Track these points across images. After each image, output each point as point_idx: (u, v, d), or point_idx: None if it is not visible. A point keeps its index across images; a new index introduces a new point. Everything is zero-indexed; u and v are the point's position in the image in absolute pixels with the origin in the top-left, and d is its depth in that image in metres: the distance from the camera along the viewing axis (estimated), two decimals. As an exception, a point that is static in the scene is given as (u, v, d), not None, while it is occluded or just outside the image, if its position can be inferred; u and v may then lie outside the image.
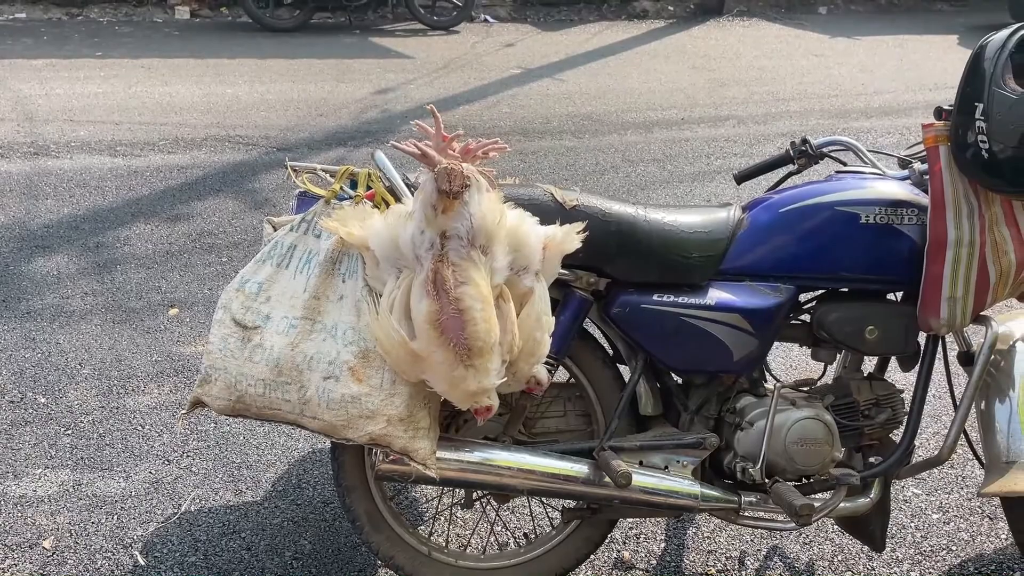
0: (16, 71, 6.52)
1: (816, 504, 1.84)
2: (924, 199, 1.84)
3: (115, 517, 2.25)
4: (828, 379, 2.10)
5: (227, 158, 4.96)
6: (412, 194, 1.73)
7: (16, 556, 2.10)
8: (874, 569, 2.21)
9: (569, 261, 1.74)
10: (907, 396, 2.01)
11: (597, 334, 2.00)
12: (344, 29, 9.02)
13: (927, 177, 1.82)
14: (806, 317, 1.97)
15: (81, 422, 2.62)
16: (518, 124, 5.96)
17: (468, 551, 2.17)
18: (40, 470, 2.41)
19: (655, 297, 1.83)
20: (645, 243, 1.81)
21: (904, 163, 2.06)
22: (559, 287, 1.81)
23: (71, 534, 2.19)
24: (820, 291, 1.96)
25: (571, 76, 7.47)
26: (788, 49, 9.02)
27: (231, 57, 7.38)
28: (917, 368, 1.96)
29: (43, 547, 2.14)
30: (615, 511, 1.98)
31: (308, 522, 2.28)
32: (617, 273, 1.83)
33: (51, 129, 5.24)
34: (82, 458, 2.47)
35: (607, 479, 1.84)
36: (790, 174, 2.24)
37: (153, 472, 2.42)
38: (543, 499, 2.27)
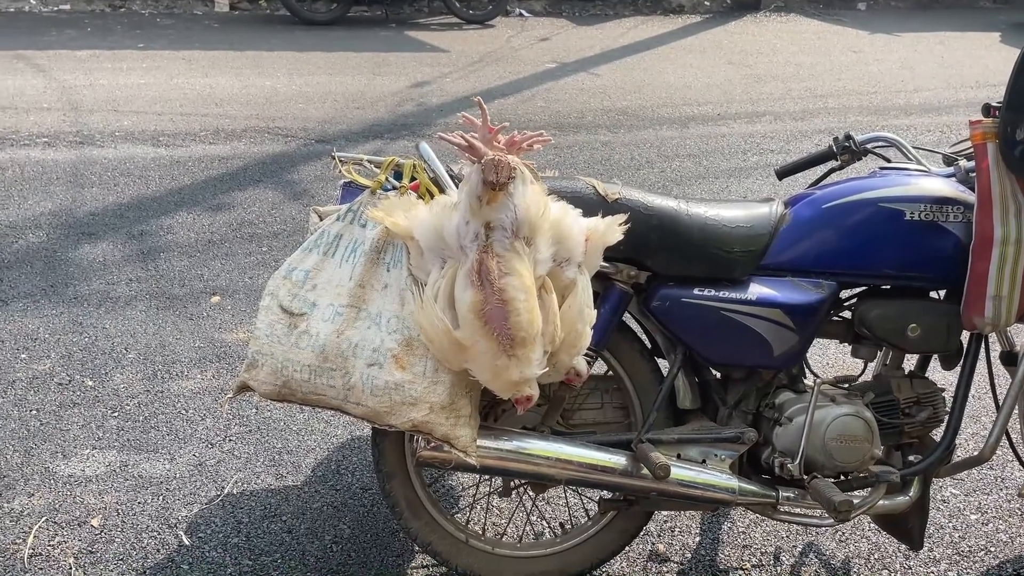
0: (61, 62, 6.66)
1: (855, 501, 1.84)
2: (970, 196, 1.82)
3: (160, 498, 2.31)
4: (868, 376, 2.09)
5: (266, 149, 5.03)
6: (456, 185, 1.76)
7: (66, 533, 2.17)
8: (911, 568, 2.20)
9: (610, 254, 1.75)
10: (948, 395, 2.00)
11: (636, 327, 2.01)
12: (380, 23, 9.07)
13: (973, 174, 1.81)
14: (847, 314, 1.96)
15: (127, 405, 2.68)
16: (553, 118, 5.96)
17: (504, 539, 2.19)
18: (88, 451, 2.47)
19: (696, 291, 1.83)
20: (686, 237, 1.82)
21: (949, 160, 2.04)
22: (600, 280, 1.83)
23: (118, 513, 2.25)
24: (862, 288, 1.96)
25: (606, 71, 7.45)
26: (826, 45, 8.92)
27: (270, 50, 7.47)
28: (959, 367, 1.95)
29: (92, 525, 2.20)
30: (652, 503, 1.99)
31: (347, 507, 2.32)
32: (658, 266, 1.84)
33: (96, 119, 5.35)
34: (128, 440, 2.53)
35: (645, 471, 1.85)
36: (832, 170, 2.23)
37: (197, 455, 2.48)
38: (580, 490, 2.29)
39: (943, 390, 2.01)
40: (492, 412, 1.94)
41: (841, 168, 2.19)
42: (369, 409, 1.72)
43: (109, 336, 3.05)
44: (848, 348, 2.03)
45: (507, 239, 1.60)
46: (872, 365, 2.07)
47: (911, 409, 1.97)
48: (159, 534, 2.19)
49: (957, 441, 1.98)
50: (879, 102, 6.78)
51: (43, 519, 2.21)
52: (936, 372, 2.12)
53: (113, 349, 2.98)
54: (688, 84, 7.11)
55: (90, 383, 2.79)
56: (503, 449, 1.84)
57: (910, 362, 2.06)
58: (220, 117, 5.56)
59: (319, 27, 8.59)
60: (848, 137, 2.15)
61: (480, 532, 2.11)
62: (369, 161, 1.86)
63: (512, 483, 2.07)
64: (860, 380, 2.06)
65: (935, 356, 2.02)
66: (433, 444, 1.77)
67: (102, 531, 2.19)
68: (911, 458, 2.00)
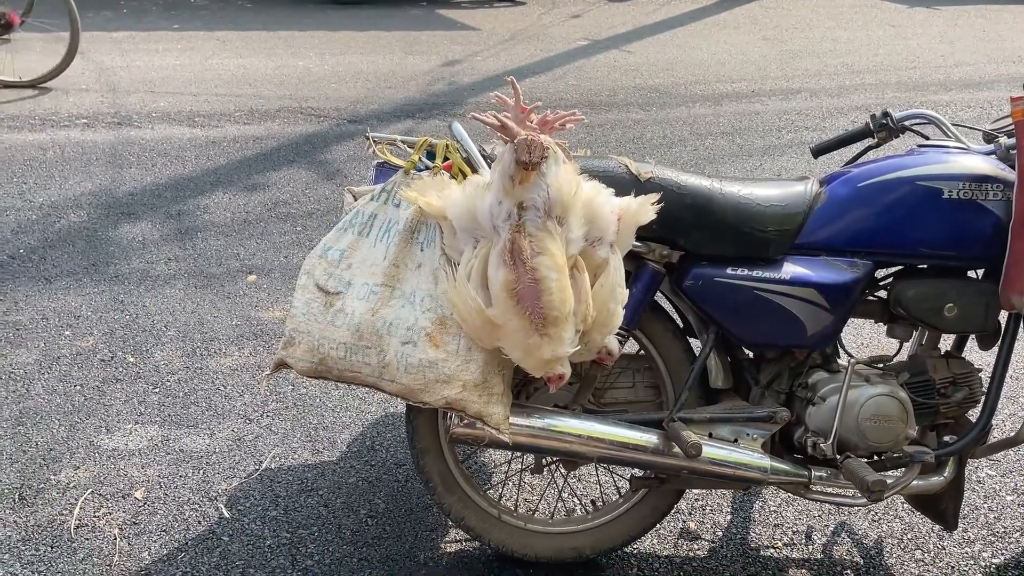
0: (98, 43, 6.75)
1: (888, 481, 1.83)
2: (1010, 174, 1.80)
3: (201, 471, 2.37)
4: (903, 356, 2.07)
5: (300, 129, 5.07)
6: (488, 165, 1.77)
7: (111, 505, 2.24)
8: (945, 549, 2.19)
9: (643, 233, 1.76)
10: (985, 375, 1.98)
11: (668, 307, 2.01)
12: (411, 1, 9.06)
13: (1014, 152, 1.78)
14: (882, 293, 1.95)
15: (167, 381, 2.75)
16: (584, 96, 5.93)
17: (536, 516, 2.22)
18: (130, 425, 2.54)
19: (729, 270, 1.83)
20: (720, 216, 1.81)
21: (989, 137, 2.01)
22: (632, 259, 1.83)
23: (160, 486, 2.31)
24: (898, 267, 1.94)
25: (638, 48, 7.38)
26: (863, 19, 8.75)
27: (302, 30, 7.50)
28: (997, 347, 1.93)
29: (135, 497, 2.27)
30: (683, 481, 2.00)
31: (382, 482, 2.36)
32: (691, 246, 1.84)
33: (133, 100, 5.43)
34: (169, 415, 2.59)
35: (676, 449, 1.86)
36: (869, 148, 2.20)
37: (235, 430, 2.54)
38: (611, 468, 2.30)
39: (980, 370, 1.99)
40: (524, 390, 1.96)
41: (878, 146, 2.16)
42: (403, 386, 1.75)
43: (149, 314, 3.12)
44: (883, 328, 2.02)
45: (539, 219, 1.61)
46: (907, 345, 2.06)
47: (947, 389, 1.95)
48: (200, 506, 2.25)
49: (993, 422, 1.96)
50: (917, 78, 6.65)
51: (88, 491, 2.28)
52: (973, 352, 2.09)
53: (153, 326, 3.04)
54: (722, 60, 7.02)
55: (132, 359, 2.85)
56: (535, 427, 1.86)
57: (946, 342, 2.04)
58: (254, 98, 5.61)
59: (350, 6, 8.60)
60: (885, 114, 2.12)
61: (512, 508, 2.14)
62: (402, 141, 1.87)
63: (544, 460, 2.09)
64: (895, 360, 2.05)
65: (972, 336, 2.00)
66: (466, 421, 1.80)
67: (145, 503, 2.25)
68: (946, 438, 1.99)
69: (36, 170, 4.32)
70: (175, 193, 4.15)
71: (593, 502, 2.28)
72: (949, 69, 6.89)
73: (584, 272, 1.67)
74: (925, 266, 1.91)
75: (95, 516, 2.20)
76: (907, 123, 2.11)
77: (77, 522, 2.17)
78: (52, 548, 2.09)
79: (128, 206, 3.99)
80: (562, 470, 2.15)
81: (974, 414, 1.98)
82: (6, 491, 2.26)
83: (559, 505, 2.29)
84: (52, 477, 2.32)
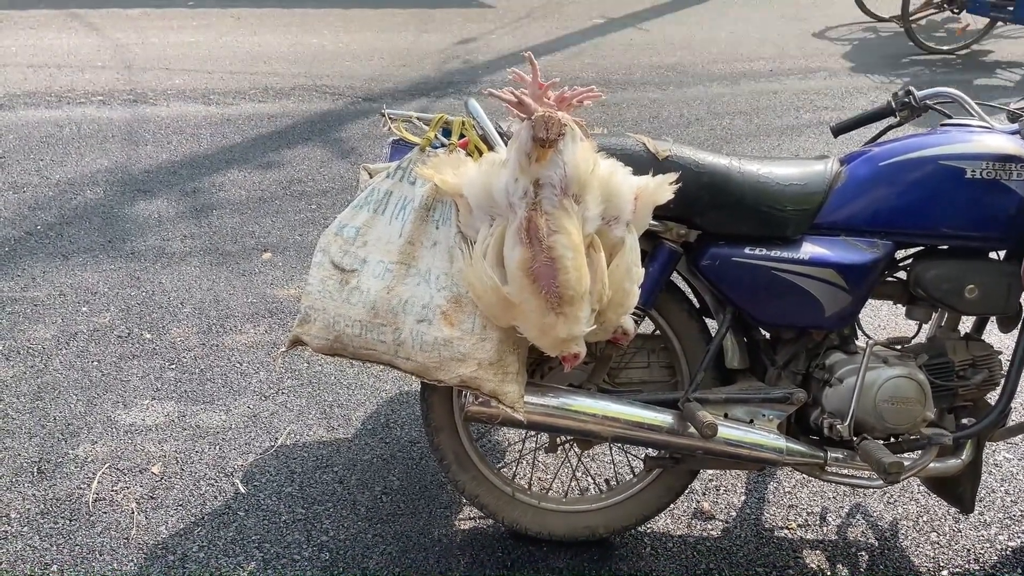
0: (113, 20, 6.74)
1: (905, 463, 1.82)
2: (1035, 154, 1.76)
3: (217, 447, 2.39)
4: (922, 338, 2.05)
5: (314, 107, 5.06)
6: (504, 142, 1.76)
7: (128, 480, 2.26)
8: (961, 531, 2.18)
9: (660, 212, 1.74)
10: (1005, 358, 1.95)
11: (684, 287, 2.00)
12: (426, -22, 8.99)
13: (1040, 131, 1.74)
14: (902, 274, 1.92)
15: (184, 358, 2.76)
16: (600, 75, 5.88)
17: (550, 494, 2.22)
18: (147, 401, 2.56)
19: (746, 250, 1.81)
20: (738, 195, 1.79)
21: (1014, 116, 1.97)
22: (648, 238, 1.82)
23: (177, 461, 2.33)
24: (918, 248, 1.91)
25: (655, 26, 7.31)
26: (886, -3, 8.60)
27: (316, 7, 7.47)
28: (1017, 329, 1.91)
29: (152, 472, 2.29)
30: (698, 462, 2.00)
31: (396, 460, 2.37)
32: (708, 225, 1.82)
33: (148, 77, 5.43)
34: (185, 391, 2.61)
35: (691, 429, 1.86)
36: (890, 127, 2.17)
37: (251, 407, 2.55)
38: (625, 447, 2.30)
39: (999, 353, 1.97)
40: (539, 369, 1.96)
41: (900, 125, 2.13)
42: (418, 364, 1.75)
43: (165, 291, 3.13)
44: (902, 309, 2.00)
45: (556, 196, 1.59)
46: (927, 327, 2.03)
47: (966, 372, 1.93)
48: (216, 482, 2.27)
49: (1012, 405, 1.94)
50: (940, 57, 6.54)
51: (106, 466, 2.30)
52: (993, 335, 2.07)
53: (169, 303, 3.06)
54: (740, 39, 6.93)
55: (148, 336, 2.87)
56: (549, 406, 1.86)
57: (966, 324, 2.02)
58: (269, 75, 5.60)
59: (365, -17, 8.55)
60: (908, 92, 2.08)
61: (526, 486, 2.15)
62: (418, 118, 1.86)
63: (558, 439, 2.10)
64: (914, 342, 2.03)
65: (993, 318, 1.98)
66: (481, 399, 1.79)
67: (162, 478, 2.27)
68: (964, 421, 1.97)
69: (53, 147, 4.34)
70: (190, 170, 4.16)
71: (607, 481, 2.28)
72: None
73: (600, 251, 1.65)
74: (946, 247, 1.89)
75: (112, 490, 2.22)
76: (930, 101, 2.08)
77: (95, 496, 2.20)
78: (70, 521, 2.12)
79: (144, 183, 4.00)
80: (576, 449, 2.15)
81: (993, 397, 1.96)
82: (25, 465, 2.29)
83: (573, 484, 2.29)
84: (70, 451, 2.34)
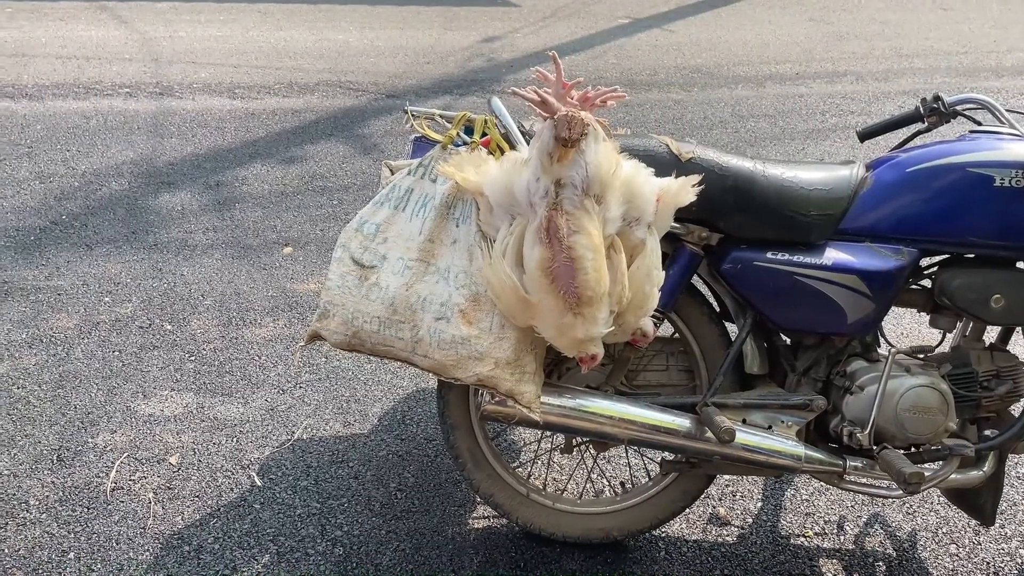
0: (141, 13, 6.80)
1: (926, 473, 1.79)
2: (1067, 163, 1.73)
3: (234, 439, 2.40)
4: (946, 347, 2.03)
5: (338, 103, 5.08)
6: (526, 142, 1.75)
7: (146, 469, 2.27)
8: (980, 544, 2.15)
9: (681, 214, 1.72)
10: (1031, 369, 1.92)
11: (704, 290, 1.98)
12: (452, -24, 9.00)
13: (1072, 140, 1.71)
14: (927, 282, 1.90)
15: (203, 350, 2.78)
16: (625, 75, 5.86)
17: (565, 495, 2.22)
18: (167, 392, 2.58)
19: (769, 255, 1.80)
20: (762, 199, 1.78)
21: (1046, 124, 1.94)
22: (669, 240, 1.81)
23: (194, 452, 2.34)
24: (944, 256, 1.89)
25: (680, 27, 7.27)
26: (913, 2, 8.51)
27: (342, 3, 7.49)
28: (1044, 341, 1.88)
29: (170, 463, 2.31)
30: (714, 467, 1.98)
31: (412, 456, 2.37)
32: (731, 228, 1.81)
33: (175, 70, 5.47)
34: (204, 383, 2.63)
35: (709, 434, 1.84)
36: (918, 132, 2.14)
37: (268, 400, 2.56)
38: (641, 450, 2.29)
39: (1025, 364, 1.94)
40: (556, 370, 1.95)
41: (928, 131, 2.10)
42: (435, 362, 1.74)
43: (187, 283, 3.16)
44: (926, 318, 1.97)
45: (577, 197, 1.58)
46: (951, 336, 2.01)
47: (990, 382, 1.91)
48: (232, 474, 2.28)
49: (1038, 417, 1.91)
50: (969, 63, 6.46)
51: (124, 455, 2.32)
52: (1019, 345, 2.04)
53: (190, 295, 3.08)
54: (766, 41, 6.88)
55: (169, 327, 2.89)
56: (566, 407, 1.85)
57: (991, 334, 1.99)
58: (293, 70, 5.62)
59: (391, -20, 8.57)
60: (937, 98, 2.05)
61: (541, 487, 2.14)
62: (441, 116, 1.86)
63: (574, 440, 2.09)
64: (937, 351, 2.00)
65: (1018, 329, 1.95)
66: (497, 399, 1.79)
67: (179, 469, 2.29)
68: (987, 432, 1.95)
69: (79, 138, 4.38)
70: (214, 164, 4.18)
71: (623, 484, 2.27)
72: (1002, 55, 6.68)
73: (621, 252, 1.64)
74: (972, 255, 1.86)
75: (130, 480, 2.24)
76: (959, 108, 2.05)
77: (113, 485, 2.22)
78: (88, 509, 2.13)
79: (168, 175, 4.03)
80: (592, 451, 2.14)
81: (1017, 408, 1.93)
82: (45, 452, 2.31)
83: (588, 486, 2.28)
84: (90, 440, 2.36)
